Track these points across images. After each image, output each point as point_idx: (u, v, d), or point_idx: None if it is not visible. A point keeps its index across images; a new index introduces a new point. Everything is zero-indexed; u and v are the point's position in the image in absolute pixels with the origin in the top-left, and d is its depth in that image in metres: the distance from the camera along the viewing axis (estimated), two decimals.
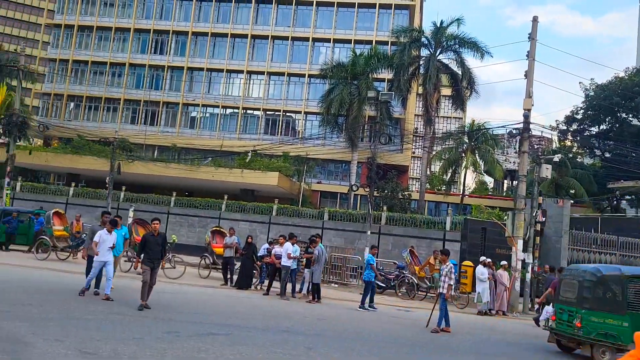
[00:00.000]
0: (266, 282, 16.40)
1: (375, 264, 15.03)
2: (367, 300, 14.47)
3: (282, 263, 14.83)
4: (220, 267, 18.28)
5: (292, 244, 15.15)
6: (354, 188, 24.52)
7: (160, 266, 11.20)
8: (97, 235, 11.75)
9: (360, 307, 14.31)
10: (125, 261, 18.14)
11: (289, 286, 15.27)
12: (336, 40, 49.34)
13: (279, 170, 36.82)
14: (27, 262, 17.57)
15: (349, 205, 38.50)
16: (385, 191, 34.87)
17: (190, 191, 42.24)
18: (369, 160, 24.16)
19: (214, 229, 19.92)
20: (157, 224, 11.27)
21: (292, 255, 14.89)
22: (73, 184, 34.25)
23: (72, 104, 51.65)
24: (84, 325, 8.20)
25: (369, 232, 23.30)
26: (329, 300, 15.57)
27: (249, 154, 36.25)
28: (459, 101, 40.21)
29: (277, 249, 15.44)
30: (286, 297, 14.74)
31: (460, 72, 37.63)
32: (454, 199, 43.30)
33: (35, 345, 6.60)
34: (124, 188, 32.58)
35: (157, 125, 49.81)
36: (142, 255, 10.95)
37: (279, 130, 48.83)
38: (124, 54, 50.99)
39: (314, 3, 49.24)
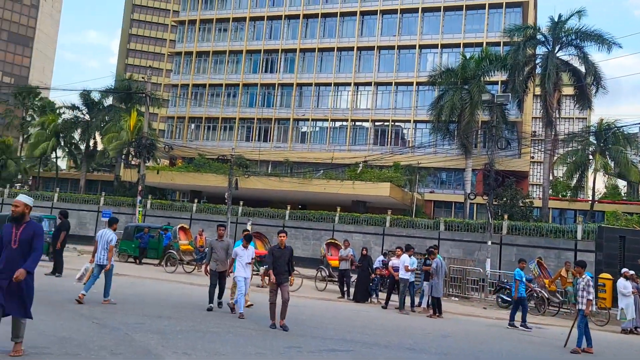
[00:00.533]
0: (382, 295, 16.02)
1: (523, 279, 13.68)
2: (518, 318, 13.31)
3: (400, 276, 14.36)
4: (336, 279, 18.20)
5: (409, 256, 14.63)
6: (471, 197, 23.38)
7: (290, 282, 10.30)
8: (233, 252, 11.30)
9: (510, 325, 13.27)
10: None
11: (407, 299, 14.74)
12: (444, 46, 48.08)
13: (391, 180, 36.31)
14: (158, 275, 18.71)
15: (464, 214, 36.95)
16: (504, 199, 33.04)
17: (303, 204, 43.06)
18: (485, 167, 22.94)
19: (329, 241, 19.91)
20: (283, 236, 10.29)
21: (409, 268, 14.37)
22: (196, 200, 36.27)
23: (192, 125, 55.10)
24: (210, 338, 8.36)
25: (489, 243, 22.02)
26: (450, 314, 14.82)
27: (360, 165, 36.10)
28: (583, 99, 37.10)
29: (394, 261, 15.01)
30: (405, 311, 14.23)
31: (583, 69, 34.86)
32: (582, 206, 39.98)
33: (165, 358, 6.78)
34: (241, 203, 33.89)
35: (270, 141, 51.57)
36: (266, 268, 10.28)
37: (389, 140, 48.39)
38: (237, 75, 53.57)
39: (420, 10, 48.46)
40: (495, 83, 42.21)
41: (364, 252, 16.55)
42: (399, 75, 48.74)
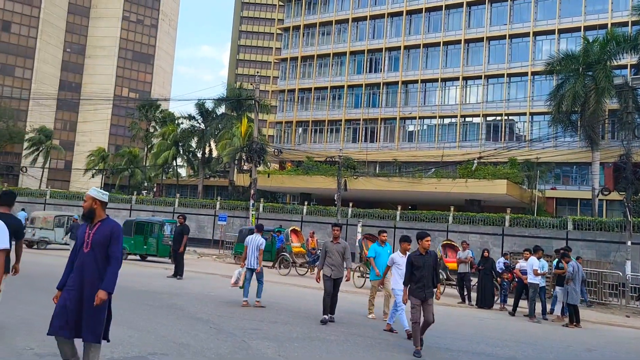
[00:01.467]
0: (509, 302, 14.75)
1: None
2: None
3: (529, 280, 13.07)
4: (454, 283, 17.15)
5: (538, 259, 13.28)
6: (605, 192, 21.05)
7: (435, 297, 8.26)
8: (390, 259, 9.93)
9: None
10: (358, 277, 18.20)
11: (538, 306, 13.40)
12: (561, 31, 44.62)
13: (507, 177, 34.12)
14: (271, 277, 18.79)
15: (593, 212, 33.78)
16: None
17: (413, 204, 41.90)
18: (621, 159, 20.55)
19: (445, 242, 18.87)
20: (427, 240, 8.19)
21: (539, 272, 13.03)
22: (306, 203, 36.56)
23: (300, 129, 55.97)
24: (327, 347, 7.91)
25: (629, 243, 19.66)
26: (589, 324, 13.23)
27: (474, 162, 34.31)
28: None
29: (521, 264, 13.74)
30: (536, 319, 12.90)
31: None
32: None
33: None
34: (351, 204, 33.59)
35: (376, 141, 50.94)
36: (406, 281, 8.14)
37: (502, 136, 45.74)
38: (342, 76, 53.59)
39: None
40: (624, 67, 38.36)
41: (486, 254, 15.36)
42: (512, 66, 45.93)
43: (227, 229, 34.02)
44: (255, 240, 11.54)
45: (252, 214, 30.61)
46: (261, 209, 36.00)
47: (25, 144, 61.15)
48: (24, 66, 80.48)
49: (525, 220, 26.62)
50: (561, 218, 26.82)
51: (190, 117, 50.30)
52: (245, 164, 45.30)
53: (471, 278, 16.25)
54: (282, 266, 21.37)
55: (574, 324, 12.40)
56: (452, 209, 29.92)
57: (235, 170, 52.11)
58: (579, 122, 36.38)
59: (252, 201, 30.92)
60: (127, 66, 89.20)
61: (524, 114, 45.27)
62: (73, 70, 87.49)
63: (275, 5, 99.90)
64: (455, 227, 28.24)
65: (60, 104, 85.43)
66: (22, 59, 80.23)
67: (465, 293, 15.84)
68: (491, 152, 35.34)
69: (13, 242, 6.09)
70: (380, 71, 51.79)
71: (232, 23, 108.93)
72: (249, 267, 11.46)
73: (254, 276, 11.53)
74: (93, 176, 56.26)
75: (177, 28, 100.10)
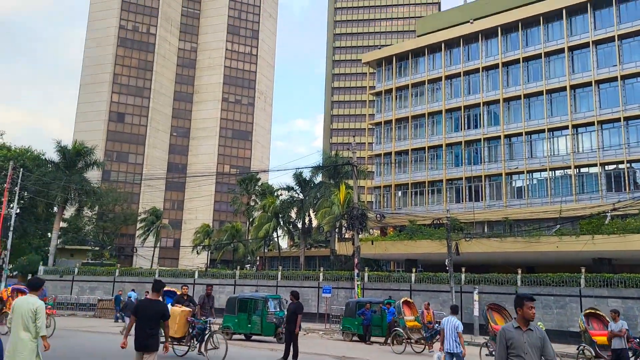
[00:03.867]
0: None
1: None
2: None
3: None
4: None
5: None
6: None
7: None
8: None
9: None
10: (486, 355, 15.89)
11: None
12: None
13: None
14: (387, 356, 16.99)
15: None
16: None
17: (530, 266, 38.28)
18: None
19: (588, 311, 16.12)
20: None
21: None
22: (414, 270, 34.46)
23: (399, 192, 54.37)
24: None
25: None
26: None
27: (608, 215, 30.76)
28: None
29: None
30: None
31: None
32: None
33: None
34: (463, 269, 31.05)
35: (482, 200, 48.04)
36: None
37: (626, 185, 41.20)
38: (439, 135, 51.92)
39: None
40: None
41: None
42: (628, 108, 42.00)
43: (332, 301, 32.58)
44: (451, 322, 11.00)
45: (358, 284, 29.08)
46: (366, 278, 34.32)
47: (139, 225, 64.68)
48: (137, 152, 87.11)
49: None
50: None
51: (289, 188, 50.70)
52: (347, 231, 44.24)
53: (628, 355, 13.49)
54: (395, 342, 19.45)
55: None
56: (583, 270, 26.50)
57: (336, 239, 51.17)
58: None
59: (356, 270, 29.51)
60: (227, 144, 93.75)
61: None
62: (179, 152, 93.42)
63: (366, 73, 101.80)
64: (590, 290, 24.80)
65: (168, 185, 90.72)
66: (135, 146, 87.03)
67: None
68: (628, 203, 31.54)
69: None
70: (480, 126, 49.57)
71: (324, 94, 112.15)
72: (449, 351, 10.82)
73: None
74: (199, 252, 57.81)
75: (272, 104, 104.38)
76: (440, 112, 52.16)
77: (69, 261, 48.93)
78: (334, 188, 49.19)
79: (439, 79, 52.89)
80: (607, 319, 15.47)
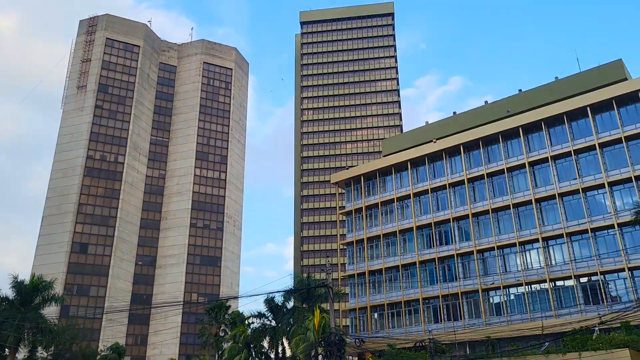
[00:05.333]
0: None
1: None
2: None
3: None
4: None
5: None
6: None
7: None
8: None
9: None
10: None
11: None
12: (638, 178, 41.91)
13: (627, 345, 29.06)
14: None
15: None
16: None
17: None
18: None
19: None
20: None
21: None
22: None
23: (375, 314, 52.45)
24: None
25: None
26: None
27: (595, 329, 29.73)
28: None
29: None
30: None
31: None
32: None
33: None
34: None
35: (460, 319, 46.55)
36: None
37: (602, 297, 40.61)
38: (412, 253, 51.43)
39: (597, 146, 43.93)
40: None
41: None
42: (593, 219, 42.75)
43: None
44: None
45: None
46: None
47: None
48: (99, 284, 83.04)
49: None
50: None
51: (261, 315, 48.21)
52: None
53: None
54: None
55: None
56: None
57: None
58: None
59: None
60: (195, 271, 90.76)
61: (622, 269, 40.66)
62: (144, 282, 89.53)
63: (335, 193, 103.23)
64: None
65: (131, 318, 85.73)
66: (97, 278, 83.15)
67: None
68: (614, 316, 30.71)
69: None
70: (452, 242, 49.48)
71: (293, 217, 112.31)
72: None
73: None
74: None
75: (242, 228, 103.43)
76: (411, 229, 52.18)
77: None
78: (307, 313, 47.00)
79: (408, 196, 53.63)
80: None
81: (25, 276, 45.94)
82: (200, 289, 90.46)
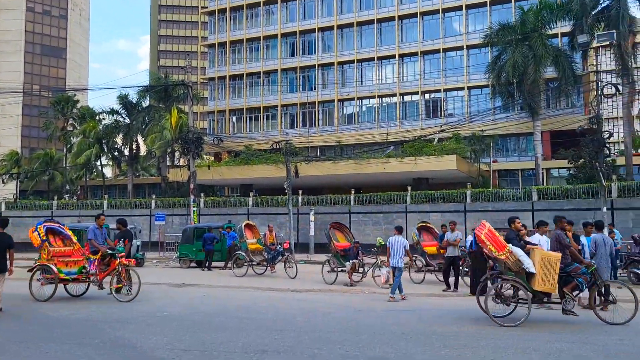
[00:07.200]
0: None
1: None
2: None
3: None
4: (434, 269, 15.60)
5: (541, 235, 11.80)
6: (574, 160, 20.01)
7: None
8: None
9: None
10: (328, 271, 16.18)
11: None
12: (493, 3, 44.34)
13: (455, 152, 33.26)
14: (228, 281, 16.47)
15: (537, 181, 33.70)
16: (582, 160, 29.44)
17: (358, 188, 40.44)
18: (591, 120, 19.74)
19: (421, 225, 17.18)
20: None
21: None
22: (252, 194, 34.17)
23: (234, 118, 53.09)
24: None
25: (604, 209, 18.92)
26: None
27: (436, 137, 33.20)
28: None
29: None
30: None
31: None
32: None
33: None
34: (300, 192, 31.52)
35: (315, 126, 49.03)
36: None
37: (441, 112, 45.11)
38: (274, 61, 51.05)
39: None
40: (555, 36, 38.55)
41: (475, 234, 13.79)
42: (447, 40, 45.25)
43: (165, 229, 31.04)
44: (399, 241, 12.56)
45: (194, 211, 27.89)
46: (202, 204, 33.20)
47: None
48: None
49: (487, 194, 25.58)
50: (526, 189, 25.98)
51: (113, 112, 46.14)
52: (181, 157, 42.12)
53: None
54: (236, 265, 19.01)
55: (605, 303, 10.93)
56: (409, 188, 28.53)
57: (168, 165, 48.62)
58: (518, 93, 36.28)
59: (192, 196, 28.25)
60: (36, 61, 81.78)
61: (462, 88, 44.80)
62: None
63: None
64: (415, 206, 26.84)
65: None
66: None
67: (451, 279, 14.23)
68: (452, 126, 34.34)
69: None
70: (315, 52, 49.72)
71: (149, 12, 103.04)
72: (395, 265, 12.39)
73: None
74: (4, 182, 50.70)
75: (90, 19, 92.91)
76: (276, 36, 51.04)
77: None
78: (164, 112, 46.15)
79: (275, 0, 51.31)
80: (436, 232, 16.68)
81: None
82: (43, 81, 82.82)
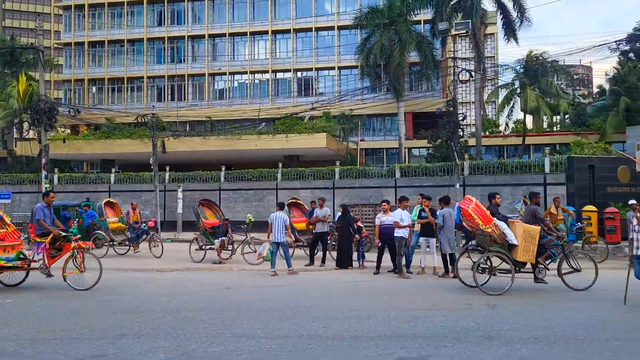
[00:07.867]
0: (369, 259, 13.83)
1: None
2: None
3: (395, 234, 12.14)
4: (304, 244, 15.80)
5: (402, 209, 12.44)
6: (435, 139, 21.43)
7: None
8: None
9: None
10: (196, 249, 15.69)
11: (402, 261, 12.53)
12: None
13: (325, 130, 34.00)
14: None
15: (400, 160, 35.72)
16: (439, 140, 31.74)
17: (229, 164, 39.83)
18: (449, 103, 21.14)
19: (290, 201, 17.23)
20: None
21: (403, 224, 12.15)
22: (113, 170, 32.01)
23: (94, 88, 49.25)
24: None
25: (457, 185, 20.46)
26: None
27: (307, 114, 33.39)
28: (509, 31, 35.86)
29: (382, 218, 12.70)
30: (407, 275, 12.08)
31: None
32: (514, 141, 40.00)
33: None
34: (167, 168, 30.17)
35: (184, 100, 47.16)
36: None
37: (313, 90, 45.76)
38: (140, 29, 47.99)
39: None
40: (418, 23, 40.70)
41: (341, 210, 14.16)
42: (319, 20, 45.76)
43: (12, 208, 28.02)
44: (280, 217, 12.71)
45: (46, 187, 25.43)
46: (56, 180, 30.46)
47: None
48: None
49: (355, 171, 26.41)
50: (389, 167, 27.24)
51: None
52: (30, 129, 38.24)
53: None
54: (95, 246, 17.68)
55: (450, 273, 11.84)
56: (280, 165, 28.56)
57: (15, 138, 43.83)
58: (385, 75, 37.90)
59: (44, 172, 25.72)
60: None
61: (333, 68, 45.69)
62: None
63: None
64: (285, 183, 26.96)
65: None
66: None
67: (317, 254, 14.53)
68: (323, 105, 34.76)
69: None
70: (184, 23, 47.52)
71: None
72: (275, 241, 12.63)
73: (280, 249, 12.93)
74: None
75: None
76: (141, 2, 47.87)
77: None
78: (10, 79, 41.41)
79: None
80: (306, 208, 16.87)
81: None
82: None
